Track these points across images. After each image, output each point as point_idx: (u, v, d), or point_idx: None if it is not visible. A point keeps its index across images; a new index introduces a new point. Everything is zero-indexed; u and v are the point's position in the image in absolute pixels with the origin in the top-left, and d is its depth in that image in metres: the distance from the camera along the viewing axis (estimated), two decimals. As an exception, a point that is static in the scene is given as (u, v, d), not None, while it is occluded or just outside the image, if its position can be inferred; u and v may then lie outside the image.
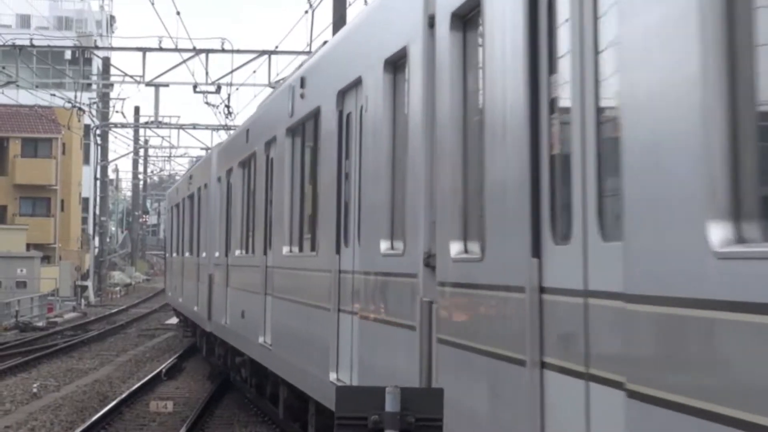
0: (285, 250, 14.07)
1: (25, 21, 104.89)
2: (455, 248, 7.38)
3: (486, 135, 6.74)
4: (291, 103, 13.78)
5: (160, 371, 26.24)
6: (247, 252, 18.22)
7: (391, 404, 6.58)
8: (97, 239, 71.04)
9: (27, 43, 41.79)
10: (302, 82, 13.15)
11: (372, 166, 9.57)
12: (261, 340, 15.83)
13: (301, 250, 13.47)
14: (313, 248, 12.51)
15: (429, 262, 7.82)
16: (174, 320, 40.55)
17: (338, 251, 10.97)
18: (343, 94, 10.90)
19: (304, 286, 12.75)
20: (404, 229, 8.52)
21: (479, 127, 7.07)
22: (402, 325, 8.47)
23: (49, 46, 49.13)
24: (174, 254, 35.51)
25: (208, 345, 26.03)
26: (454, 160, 7.50)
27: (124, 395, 21.88)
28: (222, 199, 21.79)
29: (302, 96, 13.09)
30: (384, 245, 9.15)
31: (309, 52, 35.56)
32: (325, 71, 11.94)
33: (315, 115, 12.32)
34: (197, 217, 27.14)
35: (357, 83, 10.27)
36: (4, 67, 43.34)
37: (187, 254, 30.21)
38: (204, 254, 24.64)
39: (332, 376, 11.00)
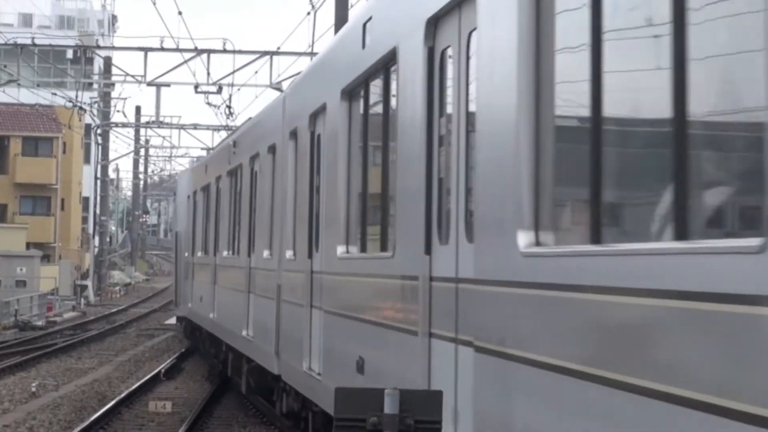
0: (523, 241, 6.07)
1: (26, 20, 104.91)
2: None
3: None
4: None
5: (159, 371, 26.23)
6: (363, 250, 10.65)
7: (390, 406, 6.57)
8: (97, 239, 71.03)
9: (29, 41, 41.78)
10: None
11: None
12: None
13: (598, 240, 5.38)
14: (614, 234, 5.34)
15: None
16: (173, 320, 40.48)
17: None
18: None
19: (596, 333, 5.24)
20: None
21: None
22: None
23: (50, 45, 49.12)
24: (199, 253, 27.06)
25: (257, 379, 18.33)
26: None
27: (123, 395, 21.88)
28: (302, 165, 13.81)
29: None
30: None
31: (311, 53, 35.60)
32: None
33: None
34: (249, 200, 19.03)
35: None
36: (5, 66, 43.32)
37: (224, 253, 22.20)
38: (266, 253, 16.72)
39: None
